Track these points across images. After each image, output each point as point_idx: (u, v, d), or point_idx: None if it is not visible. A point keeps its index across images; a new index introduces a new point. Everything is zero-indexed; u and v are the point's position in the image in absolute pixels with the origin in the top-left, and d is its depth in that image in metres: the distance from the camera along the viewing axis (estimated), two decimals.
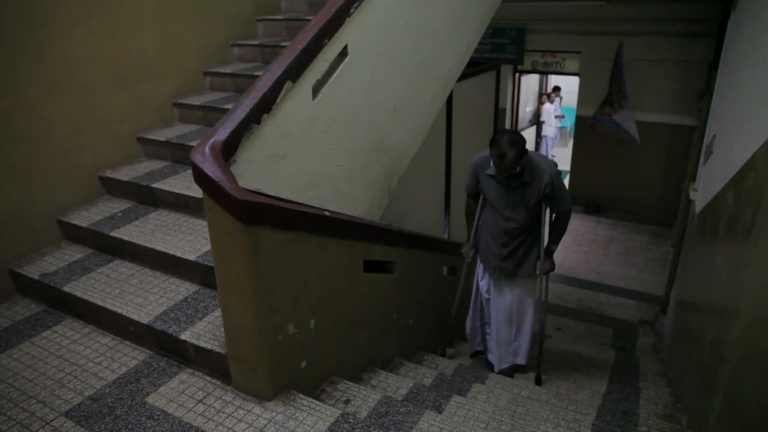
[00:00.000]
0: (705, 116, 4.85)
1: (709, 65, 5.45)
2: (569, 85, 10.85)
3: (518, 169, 3.04)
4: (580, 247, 7.76)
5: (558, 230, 3.44)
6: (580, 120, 8.84)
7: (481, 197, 3.45)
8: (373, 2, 2.73)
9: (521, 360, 3.66)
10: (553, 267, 3.45)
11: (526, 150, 3.05)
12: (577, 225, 8.47)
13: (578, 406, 3.02)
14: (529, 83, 10.85)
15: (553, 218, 3.45)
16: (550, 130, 10.65)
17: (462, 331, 4.07)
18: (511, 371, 3.69)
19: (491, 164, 3.17)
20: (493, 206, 3.33)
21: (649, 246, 7.73)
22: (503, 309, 3.53)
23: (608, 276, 6.98)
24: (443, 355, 3.84)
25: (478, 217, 3.50)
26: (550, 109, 10.63)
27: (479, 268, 3.65)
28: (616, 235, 8.11)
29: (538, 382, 3.50)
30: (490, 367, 3.77)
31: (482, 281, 3.63)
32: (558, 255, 7.48)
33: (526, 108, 10.72)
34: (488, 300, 3.63)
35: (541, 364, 3.53)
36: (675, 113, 7.91)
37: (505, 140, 2.97)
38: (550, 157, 10.80)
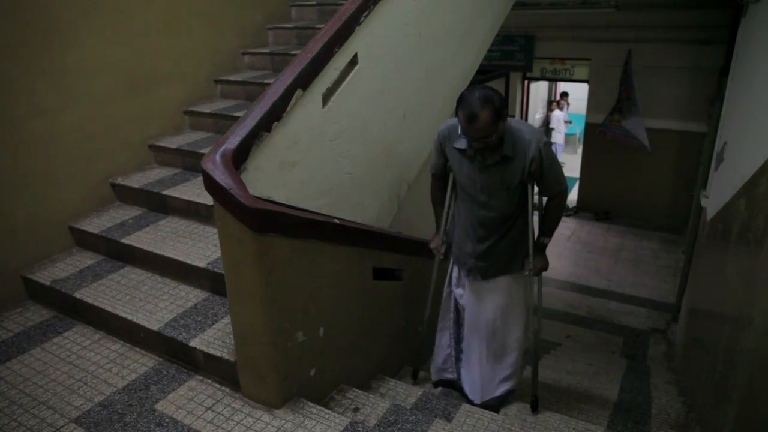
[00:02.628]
0: (716, 123, 4.81)
1: (720, 71, 5.42)
2: (578, 92, 10.83)
3: (494, 138, 2.31)
4: (591, 254, 7.71)
5: (551, 219, 2.67)
6: (589, 127, 8.81)
7: (450, 177, 2.75)
8: (383, 11, 2.74)
9: (509, 385, 2.88)
10: (546, 265, 2.72)
11: (506, 113, 2.32)
12: (587, 232, 8.43)
13: (589, 415, 3.00)
14: (538, 90, 10.84)
15: (544, 203, 2.74)
16: (559, 136, 10.63)
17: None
18: (498, 404, 2.88)
19: (460, 133, 2.44)
20: (465, 190, 2.59)
21: (659, 253, 7.67)
22: (484, 321, 2.75)
23: (619, 283, 6.93)
24: (414, 378, 3.13)
25: (448, 202, 2.79)
26: (560, 116, 10.61)
27: (452, 269, 2.88)
28: (627, 242, 8.06)
29: (534, 407, 2.84)
30: (467, 400, 2.91)
31: (456, 287, 2.87)
32: (567, 262, 7.59)
33: (536, 115, 10.70)
34: (465, 310, 2.88)
35: (537, 385, 2.85)
36: (685, 120, 7.86)
37: (477, 97, 2.23)
38: None
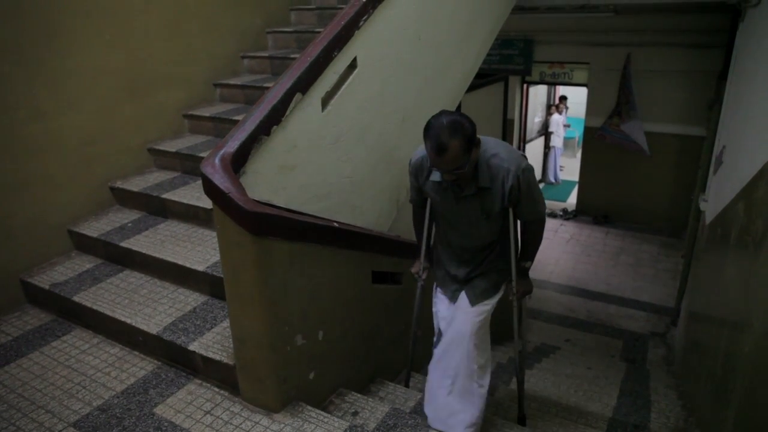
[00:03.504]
0: (714, 126, 4.83)
1: (718, 75, 5.43)
2: (576, 96, 10.85)
3: (467, 168, 2.11)
4: (590, 258, 7.71)
5: (530, 244, 2.51)
6: (588, 130, 8.82)
7: (429, 203, 2.56)
8: (382, 15, 2.75)
9: (465, 427, 2.49)
10: (529, 289, 2.61)
11: (477, 139, 2.10)
12: (587, 235, 8.43)
13: (588, 419, 2.99)
14: (537, 94, 10.86)
15: (522, 228, 2.53)
16: (558, 140, 10.65)
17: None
18: None
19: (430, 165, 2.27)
20: (444, 219, 2.45)
21: (659, 257, 7.67)
22: (457, 340, 2.48)
23: (618, 287, 6.93)
24: (406, 383, 2.97)
25: (427, 228, 2.62)
26: (559, 120, 10.63)
27: (436, 291, 2.65)
28: (626, 246, 8.06)
29: (522, 422, 2.74)
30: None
31: (440, 305, 2.62)
32: (566, 265, 7.59)
33: (535, 119, 10.72)
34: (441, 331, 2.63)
35: (523, 402, 2.75)
36: (684, 123, 7.88)
37: (445, 125, 2.01)
38: (557, 168, 10.95)
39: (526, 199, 2.28)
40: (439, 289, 2.63)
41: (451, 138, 2.00)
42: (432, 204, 2.51)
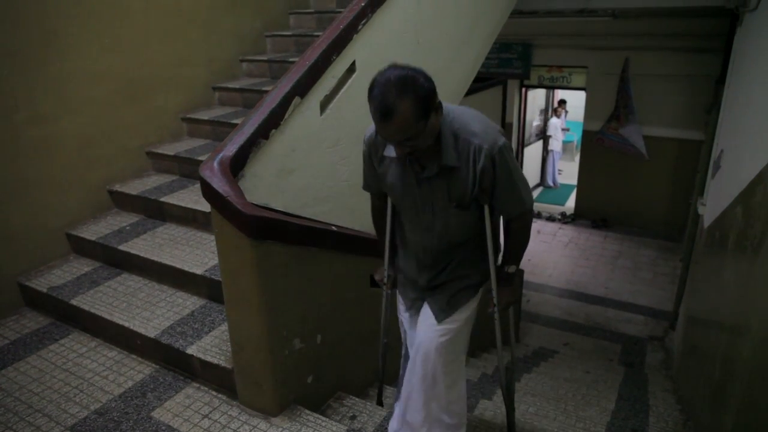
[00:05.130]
0: (712, 130, 4.84)
1: (716, 80, 5.45)
2: (575, 100, 10.87)
3: (424, 140, 1.65)
4: (588, 261, 7.72)
5: (513, 245, 2.01)
6: (587, 134, 8.84)
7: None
8: (381, 19, 2.75)
9: None
10: (513, 297, 2.10)
11: (437, 102, 1.65)
12: (585, 239, 8.44)
13: (587, 423, 2.99)
14: (536, 98, 10.88)
15: (505, 225, 2.02)
16: (557, 144, 10.66)
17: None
18: None
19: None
20: (403, 210, 1.98)
21: (657, 261, 7.67)
22: (421, 360, 2.05)
23: (616, 291, 6.93)
24: (379, 400, 2.56)
25: (389, 225, 2.13)
26: (557, 124, 10.65)
27: (399, 301, 2.25)
28: (624, 249, 8.07)
29: None
30: None
31: (404, 313, 2.22)
32: (565, 269, 7.58)
33: (533, 122, 10.73)
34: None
35: (513, 422, 2.37)
36: (682, 127, 7.89)
37: (391, 81, 1.56)
38: (556, 172, 10.96)
39: (504, 187, 1.80)
40: (399, 297, 2.23)
41: (399, 98, 1.53)
42: (387, 191, 2.00)
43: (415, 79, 1.57)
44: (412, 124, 1.57)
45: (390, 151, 1.83)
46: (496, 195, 1.83)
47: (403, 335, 2.29)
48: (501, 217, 1.99)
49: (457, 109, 1.82)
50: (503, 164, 1.75)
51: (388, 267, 2.21)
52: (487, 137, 1.73)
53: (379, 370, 2.45)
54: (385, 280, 2.23)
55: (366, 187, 2.10)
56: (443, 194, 1.83)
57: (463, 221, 1.91)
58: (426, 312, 2.05)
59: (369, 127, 1.88)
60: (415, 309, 2.12)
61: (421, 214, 1.91)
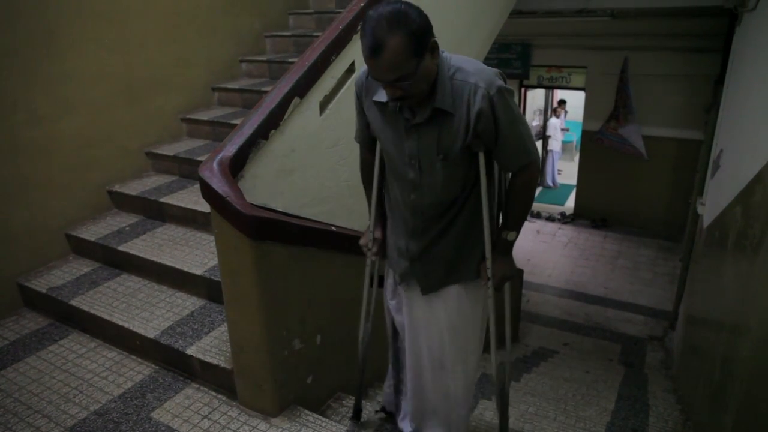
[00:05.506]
0: (712, 130, 4.84)
1: (716, 79, 5.45)
2: (574, 100, 10.88)
3: (416, 83, 1.52)
4: (588, 261, 7.72)
5: (517, 205, 1.79)
6: (586, 134, 8.84)
7: (378, 147, 1.89)
8: None
9: None
10: (511, 272, 1.87)
11: (433, 41, 1.52)
12: (585, 239, 8.44)
13: (586, 423, 2.99)
14: (535, 98, 10.88)
15: (507, 181, 1.85)
16: (556, 144, 10.67)
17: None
18: None
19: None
20: (392, 163, 1.80)
21: (657, 261, 7.68)
22: (425, 346, 1.94)
23: (616, 291, 6.93)
24: (356, 416, 2.33)
25: (378, 182, 1.94)
26: (557, 124, 10.66)
27: (388, 275, 2.07)
28: (624, 249, 8.07)
29: None
30: None
31: (391, 299, 2.06)
32: (564, 269, 7.59)
33: (533, 123, 10.73)
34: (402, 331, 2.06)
35: (506, 424, 2.11)
36: (681, 127, 7.90)
37: (383, 15, 1.43)
38: (556, 173, 10.96)
39: (505, 135, 1.62)
40: (389, 269, 2.02)
41: (389, 32, 1.41)
42: (378, 139, 1.84)
43: (408, 14, 1.44)
44: (404, 61, 1.45)
45: (381, 96, 1.69)
46: (497, 143, 1.64)
47: (388, 326, 2.12)
48: (501, 171, 1.81)
49: (457, 56, 1.66)
50: (504, 107, 1.58)
51: (375, 229, 1.98)
52: (484, 77, 1.58)
53: (359, 364, 2.18)
54: (370, 245, 1.98)
55: (356, 137, 1.95)
56: (432, 144, 1.66)
57: (451, 175, 1.70)
58: (414, 290, 1.86)
59: (362, 67, 1.72)
60: (405, 285, 1.90)
61: (408, 169, 1.73)
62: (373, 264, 2.05)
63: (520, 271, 5.70)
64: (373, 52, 1.44)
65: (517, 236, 1.82)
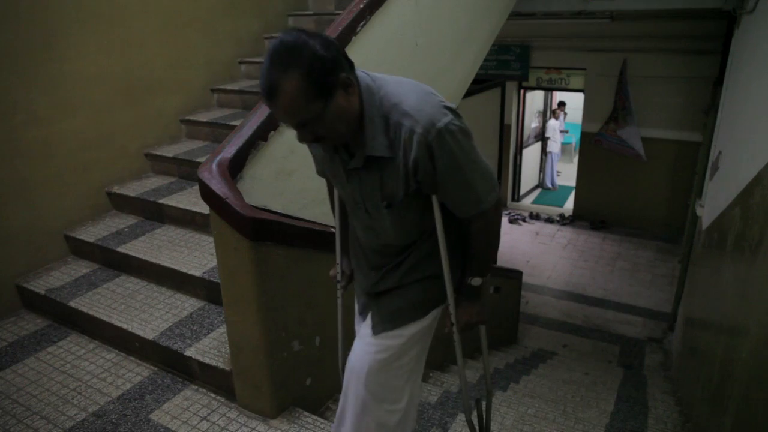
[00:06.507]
0: (710, 132, 4.85)
1: (714, 81, 5.46)
2: (573, 102, 10.89)
3: (324, 127, 1.30)
4: (587, 263, 7.72)
5: (476, 252, 1.60)
6: (585, 136, 8.85)
7: None
8: (380, 21, 2.76)
9: None
10: (477, 316, 1.68)
11: (347, 78, 1.29)
12: (584, 241, 8.44)
13: (586, 425, 2.98)
14: (534, 100, 10.89)
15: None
16: (555, 146, 10.67)
17: None
18: None
19: None
20: (343, 200, 1.67)
21: (656, 262, 7.68)
22: (353, 378, 1.75)
23: (615, 292, 6.93)
24: None
25: (339, 213, 1.82)
26: (556, 126, 10.66)
27: (357, 300, 1.87)
28: (623, 251, 8.07)
29: None
30: None
31: (358, 324, 1.84)
32: (563, 271, 7.59)
33: (532, 124, 10.74)
34: None
35: None
36: (680, 129, 7.91)
37: (278, 50, 1.22)
38: (555, 175, 10.97)
39: (450, 182, 1.41)
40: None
41: (284, 73, 1.20)
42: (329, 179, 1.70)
43: (305, 49, 1.21)
44: (304, 105, 1.24)
45: None
46: (442, 191, 1.45)
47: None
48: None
49: (393, 82, 1.41)
50: (445, 152, 1.34)
51: (342, 261, 1.87)
52: (421, 117, 1.32)
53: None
54: (339, 276, 1.87)
55: (318, 171, 1.78)
56: (374, 190, 1.47)
57: (400, 223, 1.52)
58: (367, 323, 1.71)
59: None
60: (364, 316, 1.75)
61: (358, 211, 1.57)
62: (343, 296, 1.94)
63: (518, 273, 5.70)
64: (266, 96, 1.24)
65: (483, 281, 1.65)
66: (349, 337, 1.89)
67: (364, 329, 1.73)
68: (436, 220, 1.54)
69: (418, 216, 1.53)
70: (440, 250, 1.57)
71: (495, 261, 1.73)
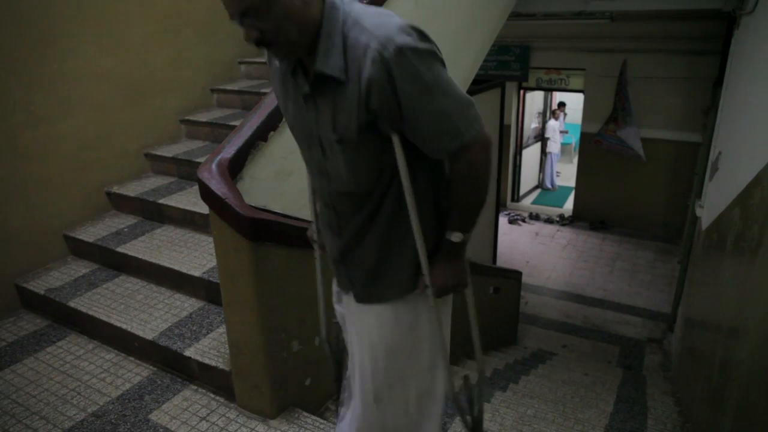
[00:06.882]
0: (710, 133, 4.85)
1: (714, 82, 5.46)
2: (573, 102, 10.89)
3: (270, 22, 1.17)
4: (586, 263, 7.72)
5: (457, 198, 1.36)
6: (584, 136, 8.85)
7: None
8: None
9: None
10: (455, 278, 1.44)
11: None
12: (583, 241, 8.44)
13: (585, 425, 2.99)
14: (534, 100, 10.89)
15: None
16: (555, 146, 10.68)
17: None
18: None
19: None
20: (298, 139, 1.44)
21: (655, 263, 7.68)
22: (357, 373, 1.58)
23: (614, 293, 6.93)
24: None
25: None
26: (555, 126, 10.66)
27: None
28: (622, 251, 8.07)
29: None
30: None
31: (337, 301, 1.69)
32: (563, 271, 7.60)
33: (531, 125, 10.75)
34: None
35: None
36: (680, 130, 7.91)
37: None
38: (554, 175, 10.96)
39: (413, 112, 1.20)
40: None
41: None
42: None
43: None
44: None
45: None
46: (410, 126, 1.22)
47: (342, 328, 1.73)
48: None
49: (367, 6, 1.25)
50: (408, 73, 1.15)
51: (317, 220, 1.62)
52: (380, 32, 1.15)
53: (334, 366, 1.78)
54: (314, 236, 1.64)
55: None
56: (328, 120, 1.26)
57: (357, 164, 1.29)
58: (358, 300, 1.49)
59: None
60: (343, 290, 1.56)
61: (312, 148, 1.36)
62: (322, 257, 1.72)
63: (517, 273, 5.70)
64: None
65: (465, 238, 1.39)
66: (330, 305, 1.73)
67: (350, 304, 1.54)
68: (399, 164, 1.28)
69: (375, 158, 1.29)
70: (411, 203, 1.32)
71: (479, 213, 1.39)
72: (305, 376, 2.33)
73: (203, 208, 2.95)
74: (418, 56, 1.15)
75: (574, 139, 11.64)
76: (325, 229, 1.53)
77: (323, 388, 2.49)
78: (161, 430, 2.17)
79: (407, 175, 1.30)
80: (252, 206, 1.99)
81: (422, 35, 1.19)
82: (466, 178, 1.32)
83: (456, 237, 1.38)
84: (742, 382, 2.18)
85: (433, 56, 1.19)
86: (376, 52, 1.13)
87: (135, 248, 3.00)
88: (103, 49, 3.27)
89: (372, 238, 1.40)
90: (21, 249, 3.00)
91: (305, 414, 2.24)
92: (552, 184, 10.83)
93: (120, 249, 3.00)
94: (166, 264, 2.83)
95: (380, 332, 1.47)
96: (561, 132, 10.99)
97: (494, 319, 5.19)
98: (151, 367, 2.55)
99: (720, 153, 3.86)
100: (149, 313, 2.68)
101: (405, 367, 1.50)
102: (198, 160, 3.41)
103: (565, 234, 8.76)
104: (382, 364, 1.49)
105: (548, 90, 10.34)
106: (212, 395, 2.36)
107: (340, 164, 1.30)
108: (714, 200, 3.75)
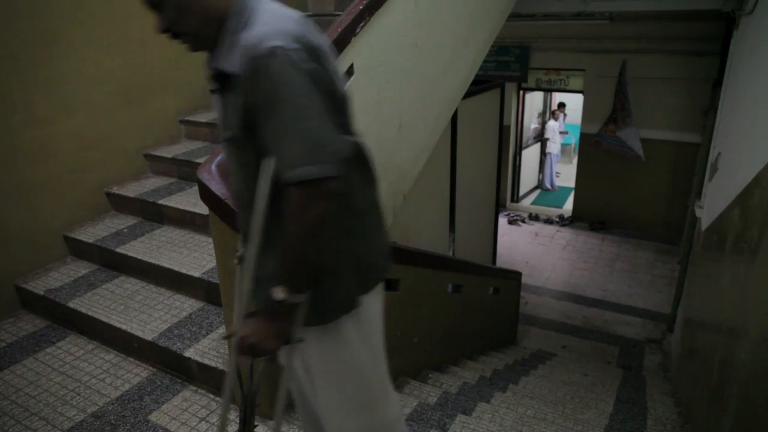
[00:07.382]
0: (710, 133, 4.85)
1: (713, 82, 5.47)
2: (572, 103, 10.89)
3: (173, 14, 1.20)
4: (586, 264, 7.72)
5: (285, 248, 1.18)
6: (584, 137, 8.86)
7: None
8: (379, 22, 2.75)
9: None
10: (263, 343, 1.23)
11: None
12: (583, 242, 8.44)
13: (585, 426, 2.98)
14: (533, 101, 10.89)
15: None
16: (554, 147, 10.68)
17: None
18: None
19: None
20: None
21: (655, 263, 7.68)
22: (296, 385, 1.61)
23: (614, 293, 6.93)
24: None
25: None
26: (555, 126, 10.66)
27: None
28: (622, 252, 8.07)
29: None
30: None
31: None
32: (563, 272, 7.61)
33: (531, 125, 10.75)
34: None
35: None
36: (679, 130, 7.92)
37: None
38: (554, 176, 10.96)
39: (264, 120, 1.14)
40: None
41: None
42: None
43: None
44: None
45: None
46: (260, 133, 1.15)
47: None
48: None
49: (270, 5, 1.23)
50: (269, 76, 1.09)
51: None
52: (259, 31, 1.13)
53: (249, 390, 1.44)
54: (239, 251, 1.47)
55: None
56: (222, 120, 1.29)
57: (244, 167, 1.24)
58: None
59: None
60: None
61: (224, 151, 1.35)
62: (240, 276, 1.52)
63: (516, 276, 5.70)
64: None
65: (289, 298, 1.19)
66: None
67: None
68: (260, 176, 1.16)
69: (256, 161, 1.19)
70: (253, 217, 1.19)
71: (304, 272, 1.17)
72: None
73: (203, 209, 2.95)
74: (286, 65, 1.09)
75: (573, 139, 11.65)
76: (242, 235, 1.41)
77: None
78: (161, 430, 2.17)
79: (265, 193, 1.18)
80: None
81: (309, 50, 1.14)
82: (293, 223, 1.14)
83: (278, 293, 1.18)
84: (742, 382, 2.18)
85: (307, 74, 1.11)
86: (247, 50, 1.11)
87: (135, 249, 3.00)
88: (102, 49, 3.27)
89: (270, 248, 1.26)
90: (21, 249, 3.00)
91: None
92: (552, 184, 10.83)
93: (120, 249, 3.00)
94: (166, 264, 2.83)
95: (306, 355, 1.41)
96: (561, 132, 10.99)
97: (494, 319, 5.19)
98: (150, 367, 2.55)
99: (719, 153, 3.86)
100: (149, 314, 2.68)
101: (338, 396, 1.42)
102: (198, 160, 3.42)
103: (565, 234, 8.76)
104: (320, 384, 1.44)
105: (548, 90, 10.34)
106: (212, 396, 2.36)
107: (232, 166, 1.28)
108: (714, 201, 3.76)
